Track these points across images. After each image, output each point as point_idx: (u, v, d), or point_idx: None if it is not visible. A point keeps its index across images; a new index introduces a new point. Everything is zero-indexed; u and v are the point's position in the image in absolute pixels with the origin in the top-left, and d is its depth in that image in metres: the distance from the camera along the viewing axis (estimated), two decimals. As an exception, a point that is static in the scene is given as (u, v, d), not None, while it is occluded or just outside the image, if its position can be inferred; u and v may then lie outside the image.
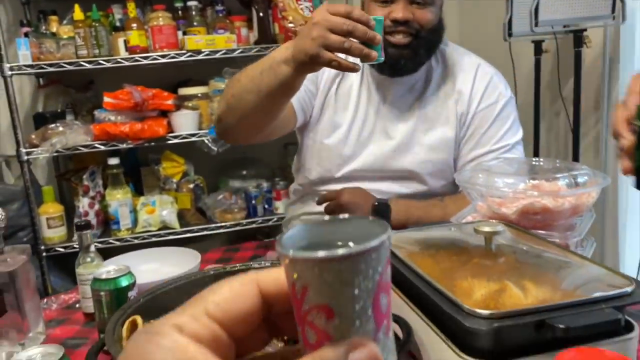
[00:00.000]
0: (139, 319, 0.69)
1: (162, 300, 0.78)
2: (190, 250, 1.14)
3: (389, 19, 1.09)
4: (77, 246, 1.90)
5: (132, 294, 0.83)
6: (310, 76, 1.05)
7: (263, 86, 0.97)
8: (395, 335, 0.71)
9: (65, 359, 0.59)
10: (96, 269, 0.90)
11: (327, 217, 0.30)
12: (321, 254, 0.26)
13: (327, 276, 0.26)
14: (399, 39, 1.10)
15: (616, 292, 0.60)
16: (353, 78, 1.22)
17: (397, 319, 0.70)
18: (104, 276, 0.83)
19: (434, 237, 0.85)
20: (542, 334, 0.57)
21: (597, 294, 0.60)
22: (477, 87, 1.18)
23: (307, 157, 1.28)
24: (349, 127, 1.21)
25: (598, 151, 1.76)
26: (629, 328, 0.62)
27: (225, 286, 0.30)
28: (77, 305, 0.99)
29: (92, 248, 0.96)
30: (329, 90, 1.23)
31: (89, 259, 0.95)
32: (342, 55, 0.88)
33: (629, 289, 0.61)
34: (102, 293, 0.82)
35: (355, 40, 0.86)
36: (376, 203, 1.16)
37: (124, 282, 0.82)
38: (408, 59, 1.11)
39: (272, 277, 0.30)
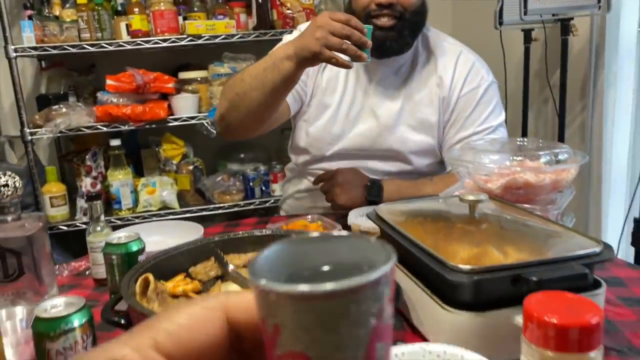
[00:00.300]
0: (150, 276, 0.75)
1: (171, 262, 0.83)
2: (193, 223, 1.20)
3: (374, 3, 1.15)
4: (79, 224, 1.96)
5: (141, 258, 0.89)
6: None
7: (267, 82, 1.08)
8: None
9: (85, 308, 0.65)
10: (105, 237, 0.96)
11: (316, 234, 0.25)
12: (300, 288, 0.20)
13: (305, 317, 0.21)
14: (384, 21, 1.16)
15: (585, 252, 0.67)
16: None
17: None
18: (115, 241, 0.88)
19: (422, 208, 0.91)
20: (518, 287, 0.63)
21: (569, 253, 0.67)
22: (458, 73, 1.24)
23: (299, 138, 1.34)
24: (337, 108, 1.27)
25: (584, 136, 1.83)
26: (597, 285, 0.69)
27: (183, 311, 0.24)
28: (87, 272, 1.05)
29: (102, 218, 1.02)
30: (317, 75, 1.29)
31: (99, 228, 1.01)
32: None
33: (597, 250, 0.68)
34: (113, 257, 0.87)
35: (350, 43, 0.99)
36: (369, 183, 1.22)
37: (134, 247, 0.88)
38: (393, 40, 1.17)
39: (245, 302, 0.25)
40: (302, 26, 1.34)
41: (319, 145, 1.30)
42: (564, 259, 0.66)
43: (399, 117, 1.25)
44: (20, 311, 0.77)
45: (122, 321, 0.70)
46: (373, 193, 1.21)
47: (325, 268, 0.24)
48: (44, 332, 0.62)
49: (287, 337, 0.21)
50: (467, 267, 0.64)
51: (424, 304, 0.71)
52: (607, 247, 0.69)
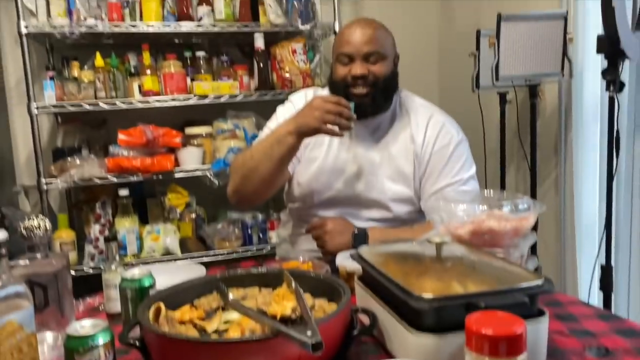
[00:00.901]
0: (162, 305, 0.88)
1: (180, 295, 0.96)
2: (197, 265, 1.32)
3: (350, 76, 1.34)
4: (86, 270, 2.07)
5: (152, 292, 1.01)
6: None
7: (275, 155, 1.32)
8: (362, 322, 0.89)
9: (108, 329, 0.77)
10: (119, 274, 1.08)
11: None
12: None
13: None
14: (359, 90, 1.36)
15: (527, 284, 0.80)
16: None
17: (365, 310, 0.89)
18: (129, 277, 1.01)
19: (397, 249, 1.05)
20: (470, 313, 0.76)
21: (513, 285, 0.80)
22: (430, 133, 1.41)
23: (293, 187, 1.50)
24: (324, 161, 1.44)
25: (557, 189, 1.98)
26: (541, 314, 0.81)
27: None
28: (101, 308, 1.17)
29: (117, 257, 1.14)
30: None
31: (113, 267, 1.13)
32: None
33: (539, 283, 0.81)
34: (128, 290, 0.99)
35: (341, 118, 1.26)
36: (356, 231, 1.36)
37: (147, 282, 1.00)
38: (368, 105, 1.36)
39: None
40: (294, 97, 1.54)
41: (309, 194, 1.45)
42: (508, 289, 0.79)
43: (378, 168, 1.41)
44: (49, 336, 0.88)
45: (137, 343, 0.82)
46: (359, 240, 1.34)
47: None
48: (74, 348, 0.74)
49: None
50: (428, 296, 0.76)
51: (395, 329, 0.83)
52: (548, 281, 0.82)
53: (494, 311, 0.66)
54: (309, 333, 0.69)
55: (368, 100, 1.35)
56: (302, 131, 1.28)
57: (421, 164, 1.40)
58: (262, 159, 1.33)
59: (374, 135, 1.44)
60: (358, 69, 1.34)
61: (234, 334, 0.80)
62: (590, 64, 1.82)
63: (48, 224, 1.01)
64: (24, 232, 0.97)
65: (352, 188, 1.43)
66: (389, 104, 1.41)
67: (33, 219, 0.99)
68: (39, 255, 0.99)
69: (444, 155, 1.39)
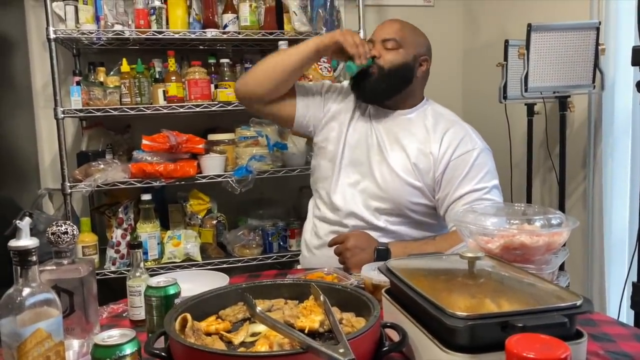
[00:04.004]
0: (188, 316, 0.87)
1: (205, 305, 0.95)
2: (220, 273, 1.31)
3: None
4: (108, 273, 2.08)
5: (177, 301, 1.00)
6: (318, 102, 1.58)
7: (287, 55, 1.50)
8: (390, 338, 0.87)
9: (136, 339, 0.77)
10: (144, 282, 1.07)
11: None
12: None
13: None
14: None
15: (566, 304, 0.77)
16: (358, 114, 1.54)
17: (394, 326, 0.86)
18: (155, 285, 1.00)
19: (427, 263, 1.02)
20: (507, 333, 0.73)
21: (551, 305, 0.77)
22: (452, 139, 1.41)
23: (316, 158, 1.58)
24: (344, 135, 1.52)
25: (585, 203, 1.94)
26: (579, 335, 0.78)
27: None
28: (125, 314, 1.16)
29: (142, 264, 1.14)
30: (329, 109, 1.56)
31: (138, 274, 1.12)
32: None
33: (577, 303, 0.78)
34: (153, 299, 0.99)
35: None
36: (378, 247, 1.33)
37: (172, 291, 1.00)
38: (369, 85, 1.45)
39: None
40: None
41: (329, 158, 1.52)
42: (546, 309, 0.76)
43: (389, 157, 1.44)
44: (75, 343, 0.88)
45: (163, 354, 0.81)
46: (381, 256, 1.31)
47: None
48: (101, 357, 0.73)
49: None
50: (463, 314, 0.74)
51: (425, 347, 0.81)
52: (587, 301, 0.79)
53: (534, 333, 0.63)
54: (340, 350, 0.67)
55: (370, 82, 1.43)
56: (324, 42, 1.44)
57: (437, 168, 1.41)
58: (276, 55, 1.54)
59: (392, 125, 1.48)
60: (373, 50, 1.46)
61: (261, 347, 0.79)
62: (622, 76, 1.78)
63: (76, 231, 1.01)
64: (51, 237, 0.97)
65: (364, 157, 1.48)
66: (391, 94, 1.46)
67: (61, 225, 0.98)
68: (65, 261, 0.99)
69: (466, 161, 1.38)
